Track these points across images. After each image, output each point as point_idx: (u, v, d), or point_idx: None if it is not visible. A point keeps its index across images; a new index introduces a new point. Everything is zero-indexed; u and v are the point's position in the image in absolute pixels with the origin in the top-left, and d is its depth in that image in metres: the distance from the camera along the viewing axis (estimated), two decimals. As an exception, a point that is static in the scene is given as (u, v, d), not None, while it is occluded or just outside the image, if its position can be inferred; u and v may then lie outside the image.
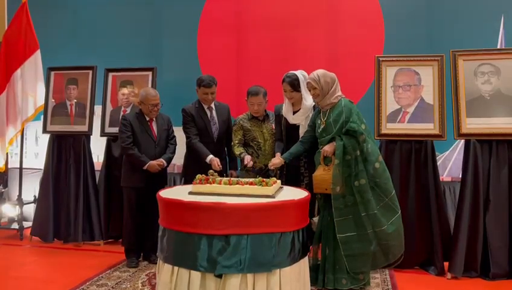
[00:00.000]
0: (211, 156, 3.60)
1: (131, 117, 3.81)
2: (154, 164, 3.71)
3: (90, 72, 4.69)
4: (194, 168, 3.43)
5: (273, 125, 3.70)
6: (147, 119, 3.81)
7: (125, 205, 3.83)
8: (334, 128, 3.09)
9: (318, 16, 4.89)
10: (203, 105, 3.84)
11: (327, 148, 3.07)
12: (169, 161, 3.86)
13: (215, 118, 3.86)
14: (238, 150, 3.66)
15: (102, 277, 3.52)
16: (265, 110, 3.76)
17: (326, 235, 3.12)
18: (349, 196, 3.01)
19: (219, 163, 3.56)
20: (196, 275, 2.41)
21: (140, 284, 3.34)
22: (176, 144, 3.96)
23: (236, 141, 3.70)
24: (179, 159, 4.89)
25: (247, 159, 3.53)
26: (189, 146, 3.81)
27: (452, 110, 3.70)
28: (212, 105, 3.87)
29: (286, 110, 3.53)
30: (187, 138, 3.83)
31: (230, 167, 3.91)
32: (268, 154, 3.63)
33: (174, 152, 3.92)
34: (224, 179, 2.87)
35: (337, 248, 3.04)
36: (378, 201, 3.02)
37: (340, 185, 2.99)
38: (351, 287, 3.08)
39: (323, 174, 3.05)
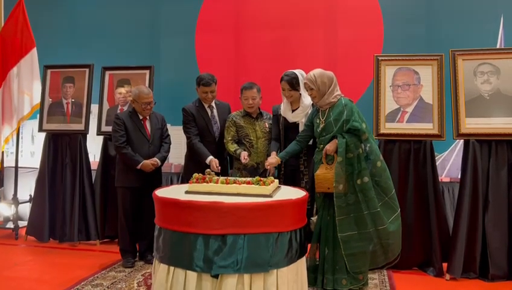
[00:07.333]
0: (211, 157, 3.56)
1: (125, 116, 3.76)
2: (148, 163, 3.67)
3: (87, 70, 4.65)
4: (194, 169, 3.36)
5: (267, 123, 3.66)
6: (141, 118, 3.76)
7: (120, 205, 3.78)
8: (334, 127, 3.06)
9: (317, 15, 4.87)
10: (204, 104, 3.79)
11: (329, 147, 3.04)
12: (163, 160, 3.82)
13: (216, 117, 3.82)
14: (232, 147, 3.59)
15: (97, 276, 3.48)
16: (259, 108, 3.71)
17: (325, 235, 3.09)
18: (351, 194, 2.99)
19: (218, 164, 3.52)
20: (192, 275, 2.39)
21: (136, 284, 3.30)
22: (170, 143, 3.92)
23: (230, 138, 3.63)
24: (176, 158, 4.91)
25: (244, 156, 3.47)
26: (190, 146, 3.77)
27: (451, 110, 3.68)
28: (213, 104, 3.83)
29: (284, 109, 3.49)
30: (187, 138, 3.78)
31: (231, 166, 3.85)
32: (260, 153, 3.59)
33: (168, 151, 3.88)
34: (221, 178, 2.84)
35: (337, 247, 3.02)
36: (378, 200, 3.01)
37: (343, 183, 2.96)
38: (350, 287, 3.06)
39: (325, 173, 3.02)
